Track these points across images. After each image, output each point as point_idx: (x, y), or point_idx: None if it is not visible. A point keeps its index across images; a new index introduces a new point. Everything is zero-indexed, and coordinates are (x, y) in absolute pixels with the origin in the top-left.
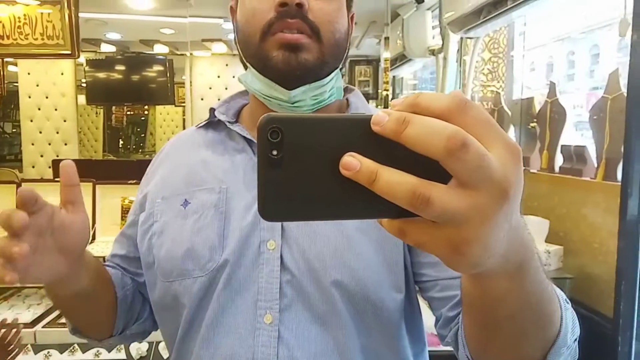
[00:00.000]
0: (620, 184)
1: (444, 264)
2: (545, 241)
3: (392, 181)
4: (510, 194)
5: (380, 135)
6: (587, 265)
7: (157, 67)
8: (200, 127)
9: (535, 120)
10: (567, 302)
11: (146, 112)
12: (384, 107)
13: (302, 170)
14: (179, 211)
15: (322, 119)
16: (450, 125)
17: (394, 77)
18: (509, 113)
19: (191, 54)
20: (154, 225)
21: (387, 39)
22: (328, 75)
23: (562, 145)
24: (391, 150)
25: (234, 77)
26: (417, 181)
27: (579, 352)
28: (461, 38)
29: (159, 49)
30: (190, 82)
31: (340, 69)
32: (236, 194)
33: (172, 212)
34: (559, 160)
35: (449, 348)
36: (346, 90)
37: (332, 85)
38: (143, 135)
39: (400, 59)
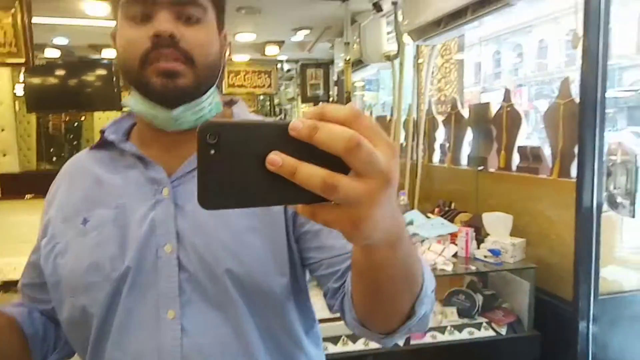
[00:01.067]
0: (574, 180)
1: (345, 237)
2: (510, 235)
3: (308, 173)
4: (392, 181)
5: (296, 138)
6: (546, 256)
7: (100, 72)
8: (93, 148)
9: (493, 122)
10: (426, 262)
11: (82, 118)
12: None
13: (235, 166)
14: (79, 230)
15: (251, 124)
16: (349, 130)
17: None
18: (465, 116)
19: None
20: (57, 246)
21: (347, 43)
22: (205, 93)
23: (518, 146)
24: (305, 149)
25: None
26: (326, 173)
27: (544, 335)
28: (417, 45)
29: (107, 54)
30: None
31: (218, 86)
32: (131, 208)
33: (73, 232)
34: (515, 159)
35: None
36: (231, 102)
37: (210, 102)
38: (76, 142)
39: (356, 64)
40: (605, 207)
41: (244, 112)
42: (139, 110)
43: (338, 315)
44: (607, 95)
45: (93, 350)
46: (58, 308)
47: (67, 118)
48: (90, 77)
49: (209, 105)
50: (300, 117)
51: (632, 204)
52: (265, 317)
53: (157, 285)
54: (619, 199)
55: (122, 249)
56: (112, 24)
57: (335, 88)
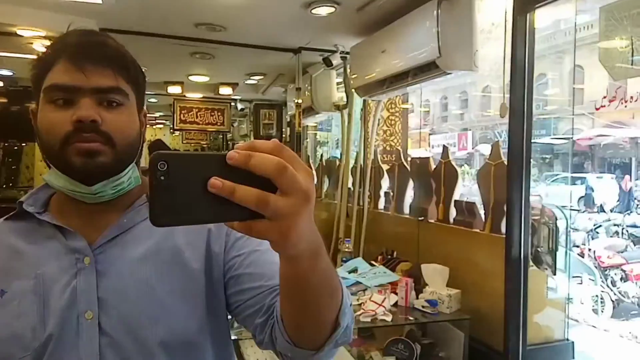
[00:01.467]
0: (504, 236)
1: (274, 248)
2: (447, 285)
3: (244, 192)
4: (311, 197)
5: (233, 165)
6: (481, 306)
7: None
8: (7, 219)
9: (433, 176)
10: (341, 278)
11: (23, 144)
12: (295, 147)
13: (182, 189)
14: None
15: (195, 155)
16: (276, 157)
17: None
18: (408, 168)
19: None
20: None
21: (298, 89)
22: (124, 169)
23: (455, 200)
24: (240, 174)
25: None
26: (259, 192)
27: None
28: (364, 100)
29: None
30: None
31: (137, 162)
32: (51, 277)
33: None
34: (452, 213)
35: None
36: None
37: (129, 176)
38: (15, 167)
39: (308, 111)
40: (531, 262)
41: None
42: (59, 186)
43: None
44: (544, 141)
45: None
46: None
47: (5, 143)
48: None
49: (128, 179)
50: (234, 149)
51: (554, 262)
52: None
53: (78, 349)
54: (542, 257)
55: (43, 317)
56: None
57: (288, 129)
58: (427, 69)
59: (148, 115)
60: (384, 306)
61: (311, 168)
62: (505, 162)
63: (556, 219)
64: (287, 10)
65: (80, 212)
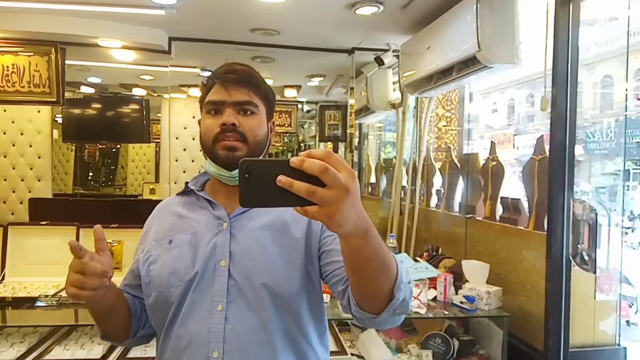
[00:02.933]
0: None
1: (326, 227)
2: (487, 282)
3: (300, 186)
4: (350, 190)
5: (293, 167)
6: (523, 305)
7: (133, 106)
8: (179, 194)
9: (481, 172)
10: (401, 260)
11: (118, 146)
12: (349, 147)
13: (260, 183)
14: (166, 247)
15: (268, 161)
16: (321, 161)
17: (360, 123)
18: (458, 165)
19: (170, 97)
20: (150, 258)
21: (352, 89)
22: None
23: (501, 197)
24: (299, 173)
25: None
26: (309, 186)
27: None
28: (416, 97)
29: (137, 92)
30: (169, 122)
31: (264, 155)
32: (201, 234)
33: (162, 248)
34: (499, 210)
35: None
36: None
37: None
38: (113, 167)
39: (365, 110)
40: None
41: None
42: (211, 171)
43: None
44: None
45: (166, 328)
46: (147, 299)
47: (102, 146)
48: (124, 110)
49: None
50: (295, 157)
51: (594, 259)
52: (285, 318)
53: (213, 287)
54: (584, 254)
55: (193, 261)
56: (140, 67)
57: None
58: (470, 64)
59: None
60: (419, 299)
61: (365, 170)
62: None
63: (596, 215)
64: (332, 12)
65: (224, 191)
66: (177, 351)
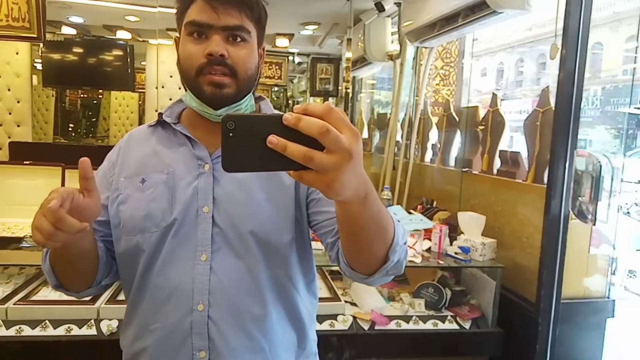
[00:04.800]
0: (545, 186)
1: (323, 194)
2: (482, 234)
3: (294, 149)
4: (353, 154)
5: (287, 126)
6: (516, 257)
7: (117, 52)
8: (151, 126)
9: (482, 125)
10: (399, 221)
11: (100, 96)
12: (344, 103)
13: (246, 144)
14: (138, 187)
15: (257, 116)
16: (321, 121)
17: (354, 77)
18: (457, 119)
19: (158, 43)
20: (119, 197)
21: (349, 40)
22: (244, 98)
23: (500, 150)
24: (293, 133)
25: None
26: (306, 149)
27: (507, 333)
28: (417, 47)
29: (122, 35)
30: (157, 69)
31: (253, 92)
32: (179, 175)
33: (133, 187)
34: (497, 163)
35: (394, 327)
36: (260, 98)
37: (247, 104)
38: (95, 119)
39: (361, 61)
40: (572, 215)
41: (268, 108)
42: (193, 106)
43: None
44: (626, 110)
45: (141, 277)
46: (116, 243)
47: (84, 95)
48: (107, 57)
49: (245, 106)
50: (290, 112)
51: (594, 212)
52: (274, 266)
53: (196, 235)
54: (584, 207)
55: (171, 205)
56: (126, 7)
57: (344, 84)
58: (477, 10)
59: None
60: (414, 249)
61: (358, 125)
62: (554, 108)
63: (600, 167)
64: None
65: (205, 127)
66: (157, 303)
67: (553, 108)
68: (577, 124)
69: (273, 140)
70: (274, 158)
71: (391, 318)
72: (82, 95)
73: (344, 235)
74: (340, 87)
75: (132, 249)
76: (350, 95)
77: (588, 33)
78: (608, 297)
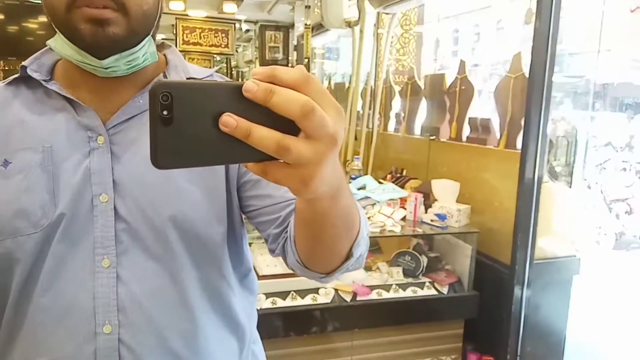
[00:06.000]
0: (519, 151)
1: (293, 193)
2: (456, 201)
3: (262, 135)
4: (338, 141)
5: (249, 100)
6: (489, 221)
7: (43, 19)
8: (9, 84)
9: (447, 93)
10: (362, 209)
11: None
12: None
13: (188, 127)
14: (0, 172)
15: (206, 84)
16: (303, 96)
17: (302, 44)
18: (422, 87)
19: None
20: None
21: (308, 7)
22: (139, 43)
23: (469, 118)
24: (257, 110)
25: None
26: (280, 135)
27: (482, 296)
28: (377, 12)
29: None
30: None
31: (153, 35)
32: (62, 153)
33: None
34: (466, 130)
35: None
36: (163, 46)
37: (145, 51)
38: None
39: (317, 29)
40: (545, 178)
41: (179, 60)
42: (67, 55)
43: (288, 272)
44: (556, 80)
45: (19, 294)
46: None
47: (7, 67)
48: (31, 24)
49: (144, 55)
50: (252, 79)
51: (570, 175)
52: (203, 266)
53: (92, 234)
54: (558, 170)
55: (53, 195)
56: None
57: (295, 53)
58: None
59: None
60: (392, 218)
61: None
62: (527, 75)
63: (576, 132)
64: None
65: (90, 85)
66: (42, 330)
67: (525, 74)
68: (550, 90)
69: (229, 121)
70: (227, 146)
71: (372, 288)
72: (4, 68)
73: (303, 234)
74: (290, 57)
75: (1, 260)
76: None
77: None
78: (574, 256)
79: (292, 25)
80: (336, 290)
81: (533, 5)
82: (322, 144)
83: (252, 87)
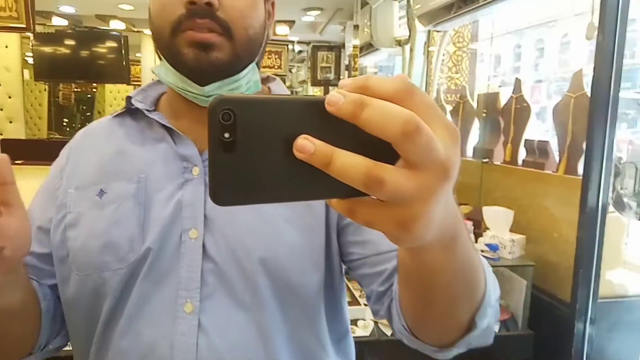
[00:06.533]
0: (580, 177)
1: (390, 240)
2: (509, 230)
3: (347, 164)
4: (451, 173)
5: (332, 116)
6: (547, 254)
7: (111, 44)
8: (116, 116)
9: (502, 113)
10: (489, 267)
11: (94, 90)
12: None
13: (255, 153)
14: (95, 202)
15: (276, 100)
16: (405, 110)
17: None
18: (474, 106)
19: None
20: (67, 216)
21: (356, 26)
22: (243, 70)
23: (525, 140)
24: (343, 131)
25: None
26: (370, 163)
27: (538, 335)
28: (428, 30)
29: (115, 25)
30: (154, 59)
31: (257, 63)
32: (156, 184)
33: (87, 203)
34: (522, 153)
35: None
36: (267, 79)
37: (249, 79)
38: (89, 114)
39: (367, 48)
40: (611, 207)
41: (282, 90)
42: (169, 82)
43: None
44: (626, 96)
45: (101, 335)
46: (63, 283)
47: (78, 89)
48: (100, 49)
49: (247, 83)
50: (337, 90)
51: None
52: (295, 320)
53: (177, 273)
54: (625, 200)
55: (143, 229)
56: None
57: (346, 72)
58: None
59: None
60: None
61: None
62: (589, 94)
63: None
64: None
65: (192, 115)
66: None
67: (587, 93)
68: (615, 110)
69: (306, 146)
70: (303, 177)
71: None
72: (75, 89)
73: (408, 293)
74: (342, 77)
75: (86, 296)
76: None
77: (628, 9)
78: None
79: (344, 45)
80: (376, 322)
81: (595, 19)
82: (430, 174)
83: (338, 99)
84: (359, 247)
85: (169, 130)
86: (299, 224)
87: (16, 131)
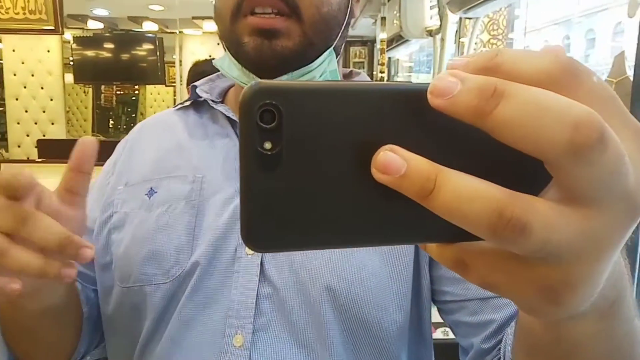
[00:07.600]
0: None
1: (523, 310)
2: None
3: (463, 193)
4: (638, 211)
5: (439, 116)
6: None
7: (147, 46)
8: (179, 108)
9: None
10: None
11: (137, 92)
12: None
13: (311, 173)
14: (143, 201)
15: (346, 89)
16: (577, 105)
17: (389, 58)
18: None
19: (181, 32)
20: (113, 216)
21: (383, 19)
22: (318, 57)
23: None
24: (456, 140)
25: None
26: (504, 194)
27: None
28: (460, 19)
29: (148, 27)
30: (180, 61)
31: (336, 50)
32: (213, 185)
33: (135, 202)
34: None
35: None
36: (351, 74)
37: (324, 69)
38: (134, 115)
39: (397, 40)
40: None
41: None
42: (233, 76)
43: None
44: None
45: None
46: (105, 294)
47: (119, 91)
48: (137, 51)
49: (322, 74)
50: (448, 70)
51: None
52: None
53: (228, 296)
54: None
55: (192, 237)
56: None
57: (379, 67)
58: None
59: None
60: None
61: None
62: (631, 78)
63: None
64: None
65: None
66: None
67: (630, 77)
68: None
69: (393, 162)
70: (387, 213)
71: (436, 325)
72: (117, 92)
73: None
74: (375, 72)
75: (127, 312)
76: (386, 79)
77: None
78: None
79: (375, 39)
80: None
81: None
82: (607, 214)
83: (450, 85)
84: (457, 285)
85: (234, 125)
86: (383, 249)
87: (57, 132)
